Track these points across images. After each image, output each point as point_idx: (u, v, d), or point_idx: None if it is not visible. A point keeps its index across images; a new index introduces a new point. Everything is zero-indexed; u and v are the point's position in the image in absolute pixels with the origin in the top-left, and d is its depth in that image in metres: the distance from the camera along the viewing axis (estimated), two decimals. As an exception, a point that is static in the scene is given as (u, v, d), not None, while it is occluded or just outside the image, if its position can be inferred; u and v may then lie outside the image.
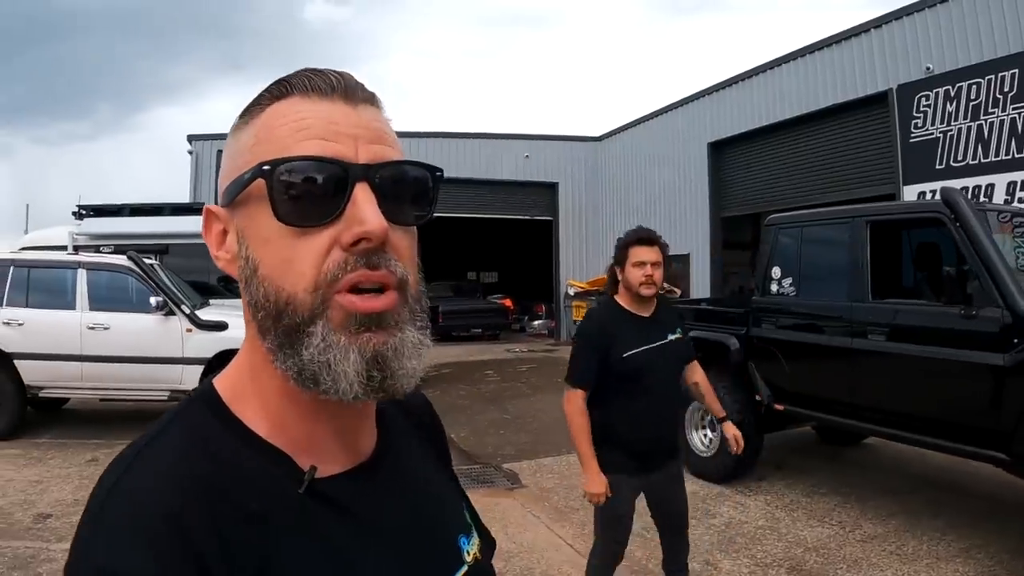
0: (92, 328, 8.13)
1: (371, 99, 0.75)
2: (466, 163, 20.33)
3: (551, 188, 21.47)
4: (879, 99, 11.84)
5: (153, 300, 8.16)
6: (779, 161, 14.42)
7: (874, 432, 5.63)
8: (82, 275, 8.43)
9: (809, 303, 5.93)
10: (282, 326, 0.68)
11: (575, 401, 3.23)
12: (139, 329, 8.09)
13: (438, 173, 0.77)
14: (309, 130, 0.69)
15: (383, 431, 0.84)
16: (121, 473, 0.67)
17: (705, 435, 6.58)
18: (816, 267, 5.98)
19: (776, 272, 6.15)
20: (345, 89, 0.73)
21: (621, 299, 3.35)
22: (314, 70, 0.73)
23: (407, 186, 0.74)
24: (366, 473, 0.78)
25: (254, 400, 0.74)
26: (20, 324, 8.15)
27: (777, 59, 14.33)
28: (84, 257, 8.88)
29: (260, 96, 0.75)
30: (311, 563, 0.68)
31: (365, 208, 0.68)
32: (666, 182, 18.05)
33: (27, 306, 8.26)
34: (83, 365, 8.05)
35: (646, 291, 3.24)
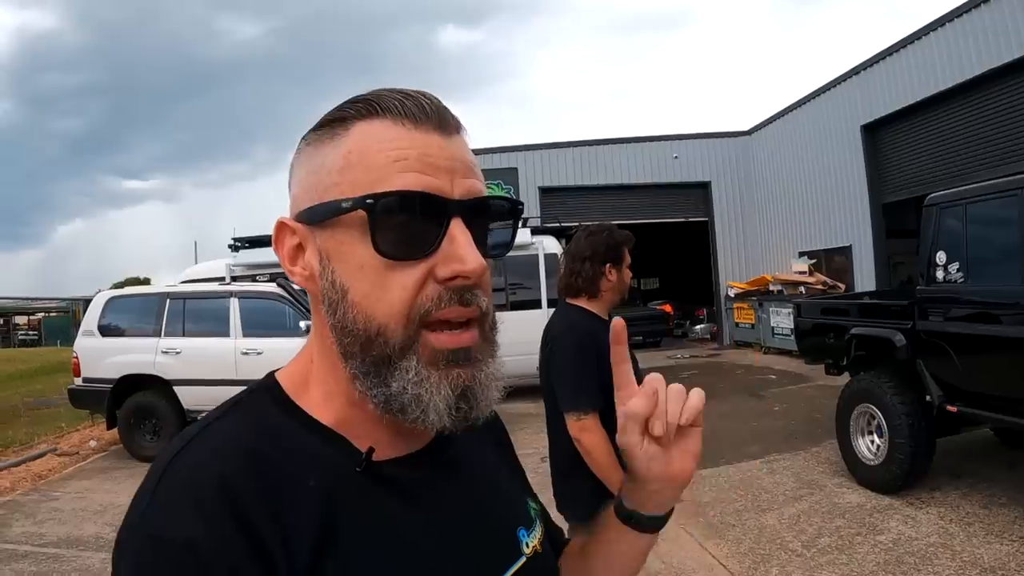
0: (246, 353, 8.56)
1: (459, 127, 0.76)
2: (616, 168, 20.21)
3: (704, 187, 20.85)
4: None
5: (303, 324, 8.50)
6: (940, 138, 13.28)
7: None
8: (234, 303, 8.96)
9: (979, 290, 5.33)
10: (371, 355, 0.70)
11: (593, 428, 2.63)
12: (291, 352, 8.20)
13: (519, 207, 0.81)
14: (406, 161, 0.70)
15: None
16: (179, 450, 0.69)
17: (872, 441, 6.08)
18: (985, 248, 5.38)
19: (941, 257, 5.58)
20: (439, 118, 0.73)
21: (589, 304, 2.87)
22: (404, 92, 0.73)
23: (493, 221, 0.77)
24: (421, 460, 0.80)
25: (317, 394, 0.77)
26: (178, 352, 8.75)
27: (924, 28, 13.26)
28: (235, 286, 9.41)
29: (343, 110, 0.74)
30: (371, 537, 0.70)
31: (464, 246, 0.70)
32: (821, 172, 17.15)
33: (183, 335, 8.87)
34: (239, 390, 8.33)
35: (626, 295, 2.96)
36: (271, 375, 0.81)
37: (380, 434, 0.76)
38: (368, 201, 0.68)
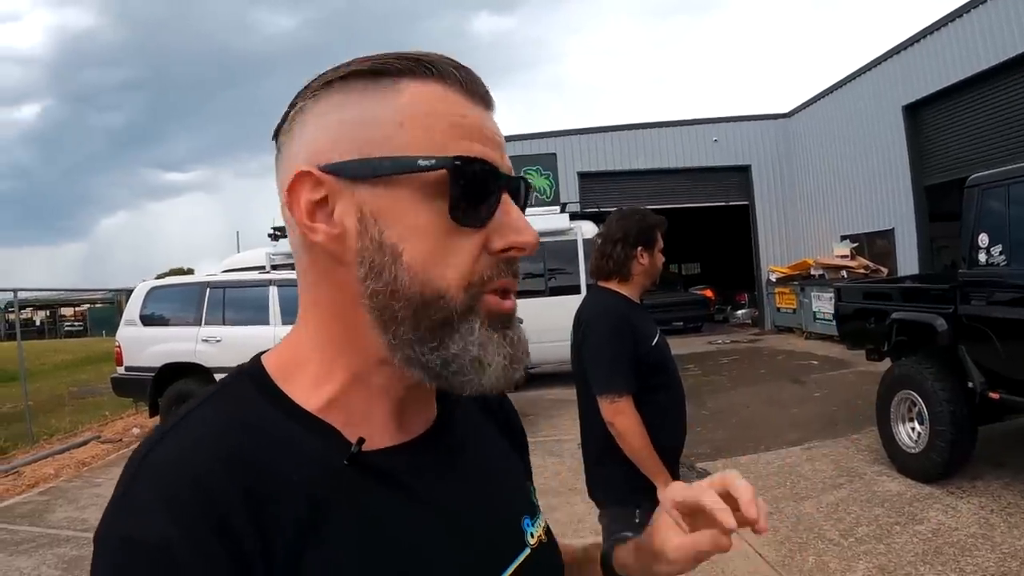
0: None
1: (495, 106, 0.75)
2: (655, 153, 20.05)
3: (744, 171, 20.59)
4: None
5: None
6: (984, 118, 12.90)
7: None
8: (273, 292, 9.04)
9: (1022, 273, 5.19)
10: (430, 319, 0.68)
11: (627, 411, 2.60)
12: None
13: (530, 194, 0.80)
14: (467, 129, 0.69)
15: (442, 410, 0.83)
16: (153, 445, 0.67)
17: (912, 428, 5.97)
18: (1029, 231, 5.23)
19: (983, 240, 5.45)
20: (485, 92, 0.73)
21: (620, 287, 2.83)
22: (454, 61, 0.71)
23: (524, 200, 0.76)
24: (418, 447, 0.76)
25: (310, 377, 0.73)
26: (218, 340, 8.87)
27: (964, 5, 12.89)
28: (275, 275, 9.49)
29: (388, 63, 0.70)
30: (358, 534, 0.67)
31: (520, 219, 0.71)
32: (862, 154, 16.79)
33: (224, 323, 9.01)
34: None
35: (658, 279, 2.93)
36: (257, 358, 0.76)
37: (376, 419, 0.73)
38: (456, 163, 0.66)
